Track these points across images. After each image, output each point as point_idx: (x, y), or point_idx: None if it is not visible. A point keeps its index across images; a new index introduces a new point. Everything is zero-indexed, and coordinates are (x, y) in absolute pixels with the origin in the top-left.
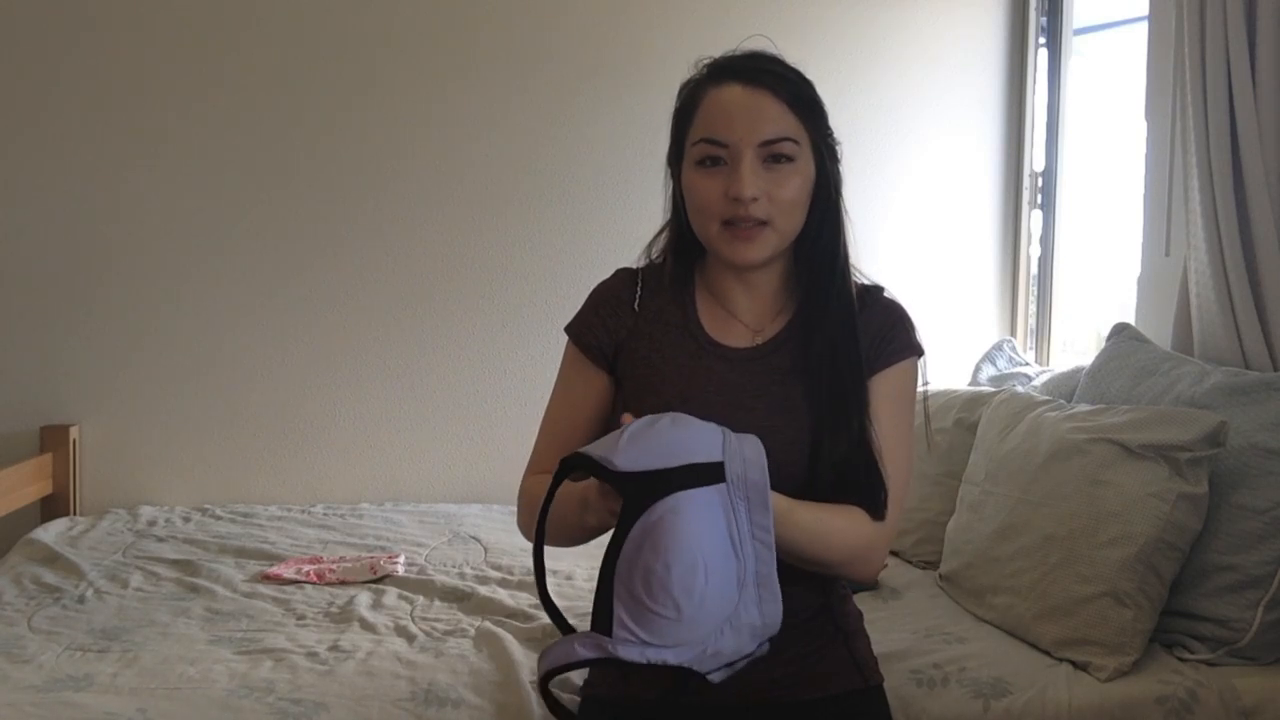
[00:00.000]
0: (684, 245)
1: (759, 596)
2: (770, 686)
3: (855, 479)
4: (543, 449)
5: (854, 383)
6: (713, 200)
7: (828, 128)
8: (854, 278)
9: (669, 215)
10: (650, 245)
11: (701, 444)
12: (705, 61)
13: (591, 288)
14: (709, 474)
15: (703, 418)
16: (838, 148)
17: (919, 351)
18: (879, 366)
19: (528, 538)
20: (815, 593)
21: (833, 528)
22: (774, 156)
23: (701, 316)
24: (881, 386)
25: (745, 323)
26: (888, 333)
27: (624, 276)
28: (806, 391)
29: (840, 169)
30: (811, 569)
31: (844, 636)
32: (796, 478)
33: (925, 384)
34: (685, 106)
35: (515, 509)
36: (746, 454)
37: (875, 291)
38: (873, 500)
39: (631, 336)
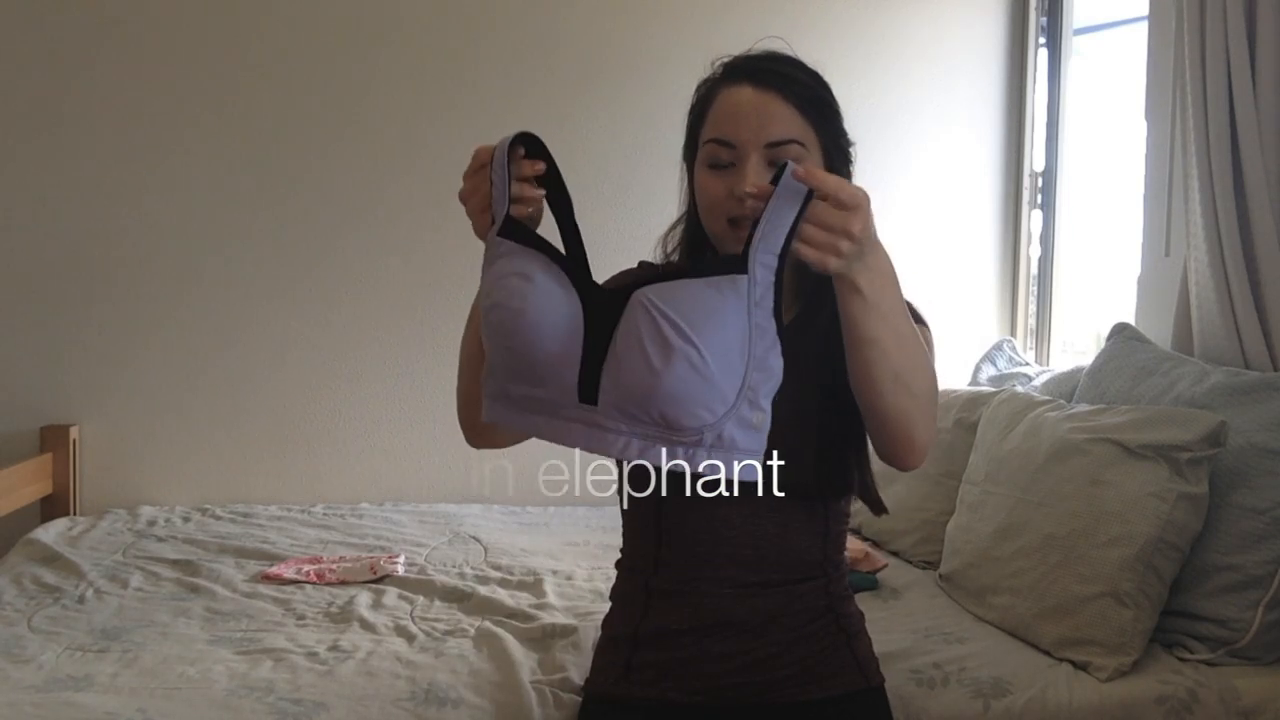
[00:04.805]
0: (697, 241)
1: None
2: (773, 687)
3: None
4: None
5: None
6: (719, 199)
7: (840, 130)
8: None
9: (684, 210)
10: (665, 238)
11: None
12: (722, 60)
13: None
14: None
15: None
16: (851, 149)
17: (921, 322)
18: None
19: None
20: (819, 594)
21: (921, 343)
22: (780, 159)
23: None
24: None
25: None
26: None
27: (646, 267)
28: (804, 385)
29: (853, 170)
30: (892, 388)
31: (846, 638)
32: (805, 468)
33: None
34: (699, 105)
35: (515, 509)
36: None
37: None
38: None
39: None
